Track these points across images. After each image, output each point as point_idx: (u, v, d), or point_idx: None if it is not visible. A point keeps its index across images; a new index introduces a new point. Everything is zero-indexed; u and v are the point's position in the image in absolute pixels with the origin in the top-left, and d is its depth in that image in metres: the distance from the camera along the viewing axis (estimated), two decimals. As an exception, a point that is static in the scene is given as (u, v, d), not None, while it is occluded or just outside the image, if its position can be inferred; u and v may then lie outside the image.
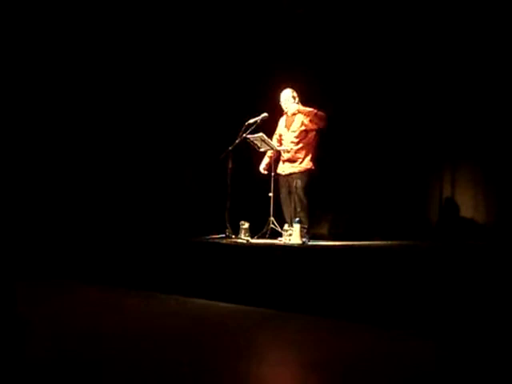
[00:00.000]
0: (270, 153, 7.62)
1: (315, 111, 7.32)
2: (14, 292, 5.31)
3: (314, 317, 5.35)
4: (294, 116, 7.45)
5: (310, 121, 7.31)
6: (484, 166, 7.67)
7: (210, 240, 7.30)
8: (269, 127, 7.60)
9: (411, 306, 4.92)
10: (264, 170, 7.63)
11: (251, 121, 7.44)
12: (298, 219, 6.93)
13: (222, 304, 6.00)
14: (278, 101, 7.50)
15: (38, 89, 9.07)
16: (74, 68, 9.23)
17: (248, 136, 7.44)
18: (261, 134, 7.38)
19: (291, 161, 7.40)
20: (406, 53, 8.08)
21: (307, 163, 7.35)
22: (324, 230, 8.03)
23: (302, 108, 7.39)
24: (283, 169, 7.48)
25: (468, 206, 7.86)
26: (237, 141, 7.45)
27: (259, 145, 7.53)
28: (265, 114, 7.44)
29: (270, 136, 7.52)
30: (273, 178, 7.49)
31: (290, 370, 3.87)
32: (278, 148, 7.51)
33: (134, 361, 3.84)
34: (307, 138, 7.38)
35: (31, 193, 8.82)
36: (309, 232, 7.24)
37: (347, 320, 5.16)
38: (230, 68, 9.12)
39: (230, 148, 7.45)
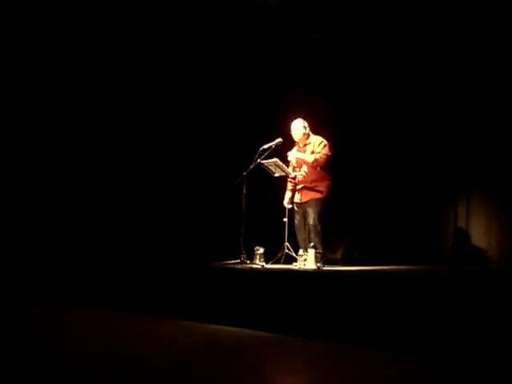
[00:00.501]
0: (290, 185, 7.65)
1: (324, 145, 7.39)
2: (25, 318, 5.36)
3: (328, 343, 5.32)
4: (306, 146, 7.48)
5: (318, 153, 7.34)
6: (499, 193, 7.65)
7: (225, 265, 7.30)
8: (283, 153, 7.63)
9: (426, 331, 4.89)
10: (288, 203, 7.65)
11: (266, 146, 7.48)
12: (312, 244, 6.95)
13: (236, 329, 5.97)
14: (289, 131, 7.54)
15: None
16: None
17: (262, 161, 7.47)
18: (275, 159, 7.41)
19: (305, 189, 7.43)
20: (418, 78, 8.13)
21: (321, 191, 7.37)
22: (338, 256, 8.03)
23: (314, 137, 7.46)
24: (298, 197, 7.50)
25: (482, 232, 7.85)
26: (251, 166, 7.49)
27: (274, 170, 7.56)
28: (279, 140, 7.49)
29: (285, 161, 7.55)
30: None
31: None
32: (293, 173, 7.54)
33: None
34: (321, 166, 7.41)
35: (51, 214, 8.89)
36: (323, 257, 7.24)
37: (362, 346, 5.13)
38: (244, 94, 9.18)
39: (245, 173, 7.48)
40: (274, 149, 7.48)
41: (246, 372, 4.29)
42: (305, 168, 7.43)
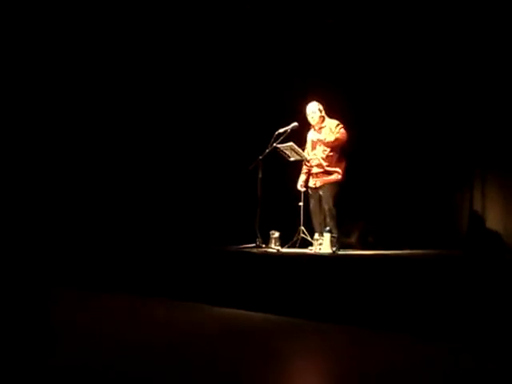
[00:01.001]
0: (305, 169, 7.65)
1: (340, 127, 7.36)
2: (46, 300, 5.40)
3: (344, 326, 5.35)
4: (322, 129, 7.47)
5: (335, 138, 7.33)
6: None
7: (241, 249, 7.33)
8: (299, 137, 7.63)
9: (441, 315, 4.91)
10: (302, 187, 7.63)
11: (281, 130, 7.48)
12: (328, 228, 6.95)
13: (252, 313, 6.01)
14: (305, 114, 7.54)
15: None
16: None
17: (278, 145, 7.47)
18: (291, 143, 7.41)
19: (320, 173, 7.42)
20: (435, 62, 8.07)
21: (336, 175, 7.37)
22: (353, 240, 8.02)
23: (329, 121, 7.43)
24: (313, 182, 7.51)
25: (498, 216, 7.80)
26: (267, 150, 7.49)
27: (289, 154, 7.55)
28: (295, 124, 7.47)
29: (300, 145, 7.55)
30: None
31: (319, 380, 3.87)
32: (309, 157, 7.53)
33: (161, 369, 3.84)
34: (336, 150, 7.41)
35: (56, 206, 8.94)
36: (338, 241, 7.25)
37: (378, 329, 5.15)
38: (261, 78, 9.16)
39: (260, 157, 7.49)
40: (289, 133, 7.47)
41: (260, 356, 4.32)
42: (321, 152, 7.43)
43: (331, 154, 7.38)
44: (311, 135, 7.58)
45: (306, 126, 7.64)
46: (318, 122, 7.47)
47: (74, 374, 3.70)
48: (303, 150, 7.58)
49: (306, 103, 7.54)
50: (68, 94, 9.27)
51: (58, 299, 6.57)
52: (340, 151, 7.41)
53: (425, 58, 8.13)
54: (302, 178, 7.67)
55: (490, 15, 7.56)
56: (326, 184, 7.35)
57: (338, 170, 7.37)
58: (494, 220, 7.82)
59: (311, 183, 7.52)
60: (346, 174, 7.42)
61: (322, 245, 6.85)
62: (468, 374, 3.92)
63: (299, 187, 7.63)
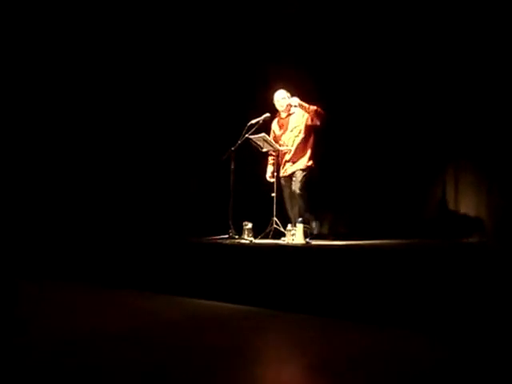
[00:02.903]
0: (271, 160, 7.66)
1: (315, 108, 7.34)
2: (14, 292, 5.36)
3: (316, 317, 5.35)
4: (290, 116, 7.46)
5: (311, 119, 7.33)
6: (486, 165, 7.65)
7: (213, 240, 7.31)
8: (271, 127, 7.62)
9: (413, 304, 4.92)
10: (270, 178, 7.66)
11: (253, 121, 7.47)
12: (301, 219, 6.94)
13: (224, 304, 5.99)
14: (272, 101, 7.53)
15: (39, 90, 9.10)
16: (69, 69, 9.27)
17: (250, 136, 7.46)
18: (263, 134, 7.41)
19: (292, 161, 7.43)
20: (407, 49, 8.08)
21: (307, 161, 7.38)
22: (325, 230, 8.04)
23: (302, 104, 7.39)
24: (285, 170, 7.51)
25: (469, 204, 7.86)
26: (239, 141, 7.47)
27: (261, 145, 7.55)
28: (267, 115, 7.48)
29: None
30: (275, 179, 7.54)
31: (291, 371, 3.85)
32: (280, 148, 7.53)
33: (130, 361, 3.81)
34: (306, 136, 7.41)
35: (29, 194, 8.87)
36: (310, 225, 7.27)
37: (350, 320, 5.15)
38: (232, 69, 9.14)
39: (233, 148, 7.47)
40: (261, 124, 7.47)
41: (233, 347, 4.30)
42: (290, 139, 7.44)
43: (301, 139, 7.40)
44: (277, 124, 7.59)
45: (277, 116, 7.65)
46: (286, 109, 7.47)
47: (38, 364, 3.66)
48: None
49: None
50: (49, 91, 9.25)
51: (22, 290, 6.57)
52: (309, 138, 7.42)
53: (398, 48, 8.16)
54: (270, 168, 7.69)
55: (463, 10, 7.61)
56: (296, 171, 7.36)
57: (306, 157, 7.38)
58: (464, 208, 7.87)
59: (282, 172, 7.52)
60: (315, 160, 7.44)
61: (295, 235, 6.84)
62: (436, 363, 3.94)
63: (268, 178, 7.64)
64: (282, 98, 7.49)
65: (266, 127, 7.56)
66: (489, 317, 4.53)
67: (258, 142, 7.51)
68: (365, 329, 4.92)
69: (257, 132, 7.44)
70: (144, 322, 5.11)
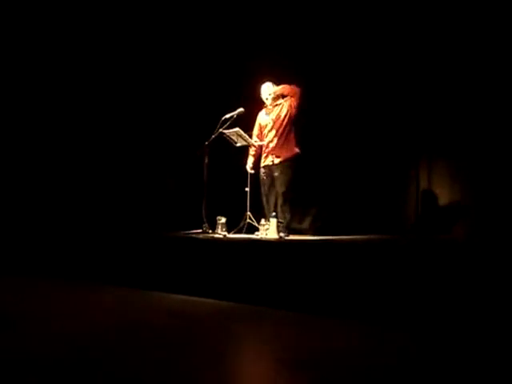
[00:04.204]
0: (252, 151, 7.63)
1: (288, 86, 7.36)
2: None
3: (291, 312, 5.34)
4: (276, 107, 7.43)
5: (291, 97, 7.32)
6: (459, 160, 7.68)
7: (187, 235, 7.27)
8: (245, 122, 7.60)
9: (390, 300, 4.93)
10: (251, 169, 7.63)
11: (227, 116, 7.45)
12: (274, 214, 6.93)
13: (199, 299, 5.98)
14: (259, 94, 7.52)
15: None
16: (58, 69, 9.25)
17: (224, 131, 7.43)
18: (237, 128, 7.39)
19: (275, 153, 7.38)
20: (381, 48, 8.10)
21: (291, 151, 7.35)
22: (305, 225, 8.02)
23: (277, 88, 7.43)
24: (267, 159, 7.47)
25: (445, 199, 7.90)
26: (213, 136, 7.45)
27: (235, 140, 7.54)
28: (241, 109, 7.45)
29: (247, 130, 7.51)
30: (249, 173, 7.53)
31: (268, 367, 3.84)
32: (255, 143, 7.52)
33: (112, 359, 3.78)
34: (289, 128, 7.38)
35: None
36: (288, 226, 7.24)
37: (325, 315, 5.15)
38: (205, 64, 9.11)
39: (206, 143, 7.46)
40: (235, 118, 7.44)
41: (208, 342, 4.28)
42: (278, 130, 7.39)
43: (284, 130, 7.36)
44: (264, 116, 7.58)
45: (253, 111, 7.63)
46: (272, 103, 7.44)
47: (22, 363, 3.62)
48: (250, 133, 7.56)
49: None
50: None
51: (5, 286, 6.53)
52: (291, 130, 7.40)
53: (372, 41, 8.16)
54: (251, 159, 7.64)
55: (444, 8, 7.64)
56: (279, 164, 7.32)
57: (290, 148, 7.37)
58: (440, 203, 7.90)
59: (263, 161, 7.49)
60: (298, 153, 7.43)
61: (269, 230, 6.83)
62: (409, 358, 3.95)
63: (248, 169, 7.61)
64: (268, 92, 7.47)
65: (241, 121, 7.51)
66: (469, 312, 4.55)
67: (232, 137, 7.50)
68: (340, 324, 4.92)
69: (231, 126, 7.42)
70: (127, 319, 5.06)
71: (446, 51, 7.59)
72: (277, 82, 7.54)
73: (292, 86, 7.36)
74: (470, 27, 7.35)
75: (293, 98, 7.35)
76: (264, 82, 7.56)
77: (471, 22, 7.35)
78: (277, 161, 7.37)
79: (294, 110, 7.35)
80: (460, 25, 7.44)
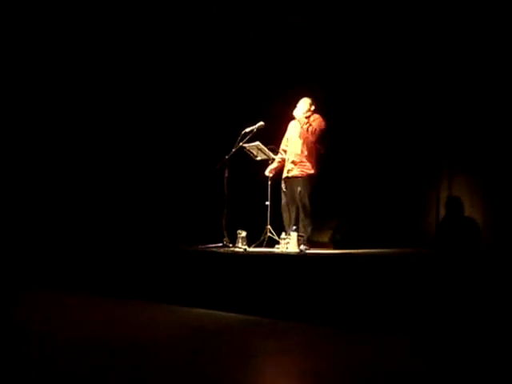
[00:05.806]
0: (278, 158, 7.58)
1: (320, 119, 7.27)
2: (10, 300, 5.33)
3: (311, 326, 5.33)
4: (306, 124, 7.35)
5: (312, 132, 7.23)
6: (481, 175, 7.64)
7: (208, 249, 7.28)
8: (265, 136, 7.59)
9: (411, 313, 4.90)
10: (270, 173, 7.57)
11: (247, 130, 7.46)
12: (294, 227, 6.93)
13: (219, 313, 5.97)
14: (294, 106, 7.43)
15: (35, 90, 9.10)
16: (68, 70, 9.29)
17: (244, 145, 7.45)
18: (257, 142, 7.40)
19: (296, 164, 7.30)
20: (405, 59, 8.10)
21: (310, 168, 7.29)
22: (325, 239, 7.98)
23: (301, 119, 7.33)
24: (288, 171, 7.38)
25: (465, 212, 7.84)
26: (233, 150, 7.47)
27: (255, 153, 7.55)
28: (261, 123, 7.45)
29: (267, 144, 7.51)
30: (269, 187, 7.51)
31: (288, 380, 3.84)
32: (275, 157, 7.51)
33: (131, 372, 3.78)
34: (313, 144, 7.31)
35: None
36: (309, 240, 7.21)
37: (344, 329, 5.14)
38: (226, 78, 9.14)
39: (227, 157, 7.48)
40: (255, 132, 7.45)
41: (229, 356, 4.28)
42: (295, 148, 7.34)
43: (308, 146, 7.27)
44: (292, 129, 7.48)
45: (273, 125, 7.62)
46: (301, 119, 7.33)
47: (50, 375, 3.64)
48: (271, 147, 7.53)
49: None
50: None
51: (27, 299, 6.56)
52: (315, 147, 7.33)
53: (393, 55, 8.17)
54: (274, 165, 7.58)
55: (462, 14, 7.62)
56: (300, 177, 7.25)
57: (312, 162, 7.27)
58: (460, 217, 7.85)
59: (285, 173, 7.40)
60: (318, 171, 7.37)
61: (289, 244, 6.82)
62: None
63: (267, 173, 7.57)
64: (301, 107, 7.38)
65: (261, 135, 7.51)
66: (485, 324, 4.52)
67: (252, 151, 7.51)
68: (360, 338, 4.90)
69: (252, 140, 7.43)
70: (143, 333, 5.06)
71: (472, 65, 7.55)
72: (315, 101, 7.48)
73: (322, 123, 7.28)
74: (500, 41, 7.31)
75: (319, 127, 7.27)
76: (302, 98, 7.42)
77: (499, 37, 7.31)
78: (299, 174, 7.32)
79: (319, 133, 7.26)
80: (489, 38, 7.39)
